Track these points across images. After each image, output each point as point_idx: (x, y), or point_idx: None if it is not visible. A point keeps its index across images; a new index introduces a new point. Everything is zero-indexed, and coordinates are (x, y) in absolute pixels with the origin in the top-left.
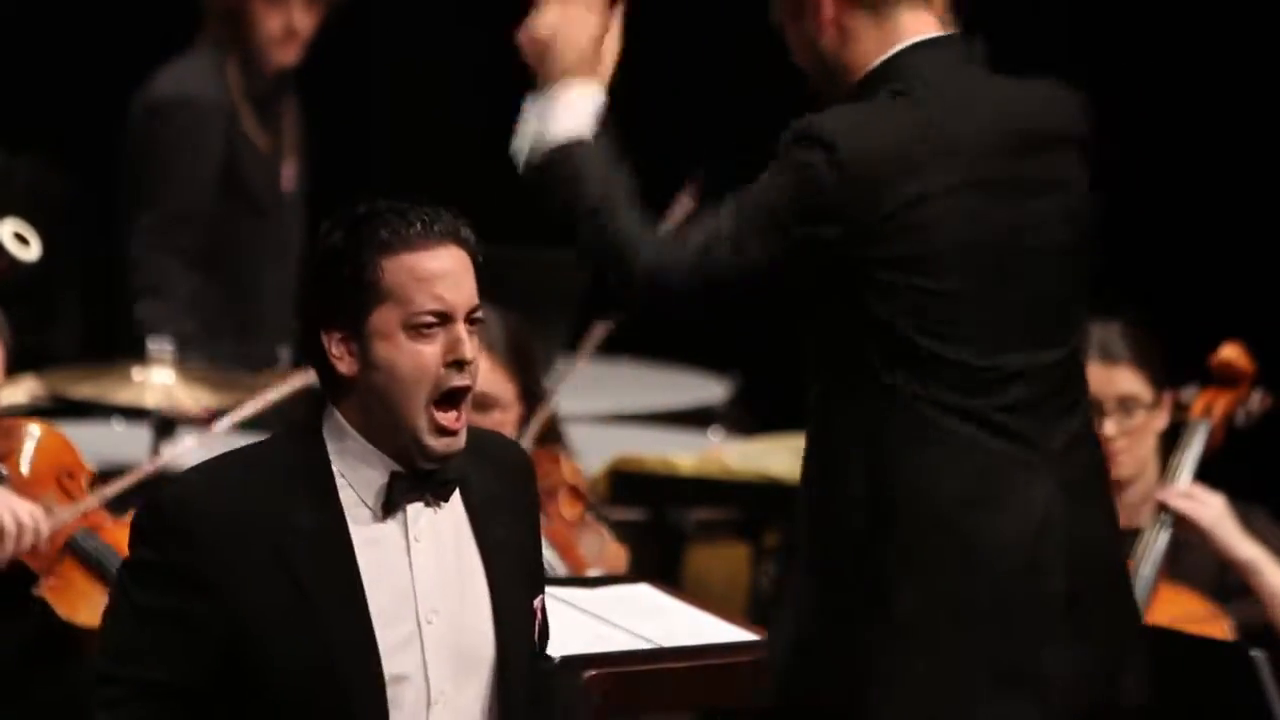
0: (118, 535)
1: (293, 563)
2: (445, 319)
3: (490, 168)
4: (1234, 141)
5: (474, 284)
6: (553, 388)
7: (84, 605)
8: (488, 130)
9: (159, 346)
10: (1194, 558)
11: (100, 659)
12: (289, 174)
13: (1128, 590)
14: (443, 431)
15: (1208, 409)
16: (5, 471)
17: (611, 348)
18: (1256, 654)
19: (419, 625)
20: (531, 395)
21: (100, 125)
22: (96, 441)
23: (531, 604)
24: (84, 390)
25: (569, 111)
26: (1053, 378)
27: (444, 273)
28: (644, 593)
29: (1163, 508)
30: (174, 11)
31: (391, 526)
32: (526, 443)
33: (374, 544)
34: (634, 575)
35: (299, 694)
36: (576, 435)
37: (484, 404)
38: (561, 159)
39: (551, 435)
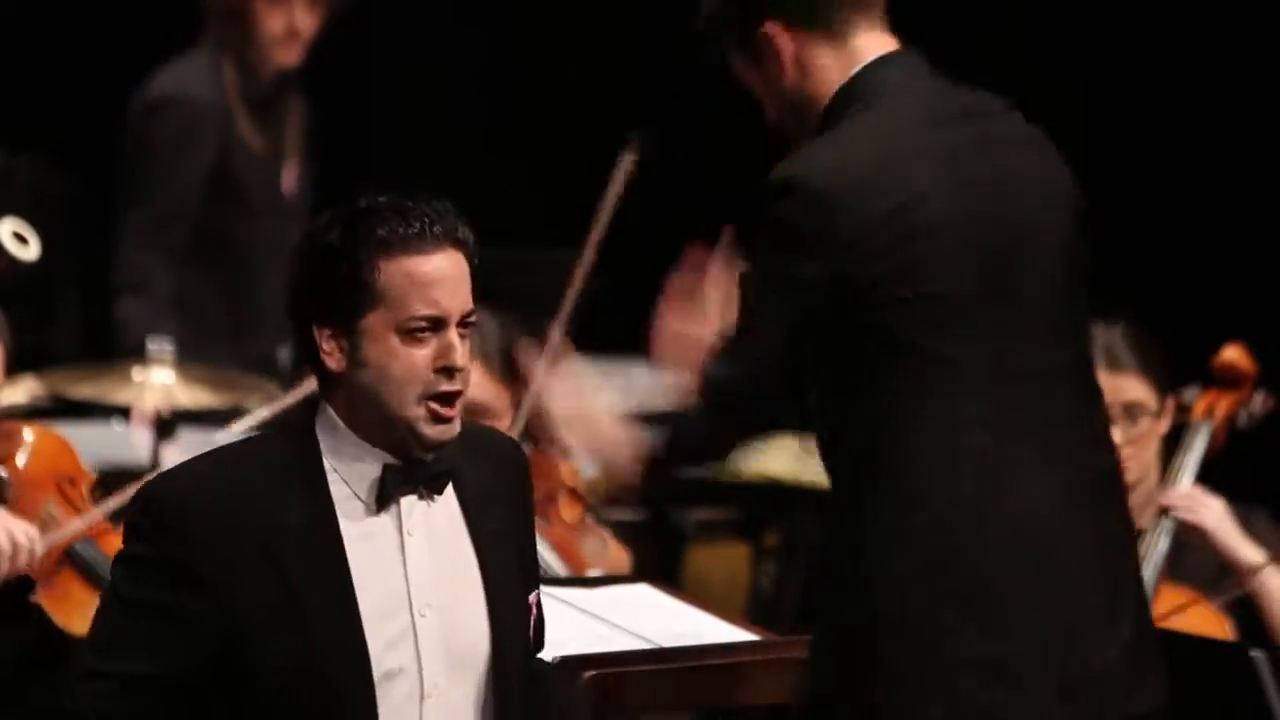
0: (117, 544)
1: (282, 559)
2: (438, 324)
3: (491, 169)
4: (1235, 142)
5: (469, 288)
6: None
7: (80, 615)
8: (489, 132)
9: (159, 346)
10: (1194, 558)
11: (89, 653)
12: (290, 176)
13: (1139, 592)
14: (437, 419)
15: (1210, 410)
16: (5, 475)
17: (611, 348)
18: (1256, 654)
19: (413, 619)
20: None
21: (100, 125)
22: (96, 441)
23: (526, 598)
24: (84, 390)
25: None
26: (1059, 377)
27: (440, 278)
28: (644, 593)
29: (1164, 511)
30: (174, 11)
31: (385, 520)
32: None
33: (367, 538)
34: (634, 575)
35: (288, 690)
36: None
37: (476, 412)
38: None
39: (549, 434)
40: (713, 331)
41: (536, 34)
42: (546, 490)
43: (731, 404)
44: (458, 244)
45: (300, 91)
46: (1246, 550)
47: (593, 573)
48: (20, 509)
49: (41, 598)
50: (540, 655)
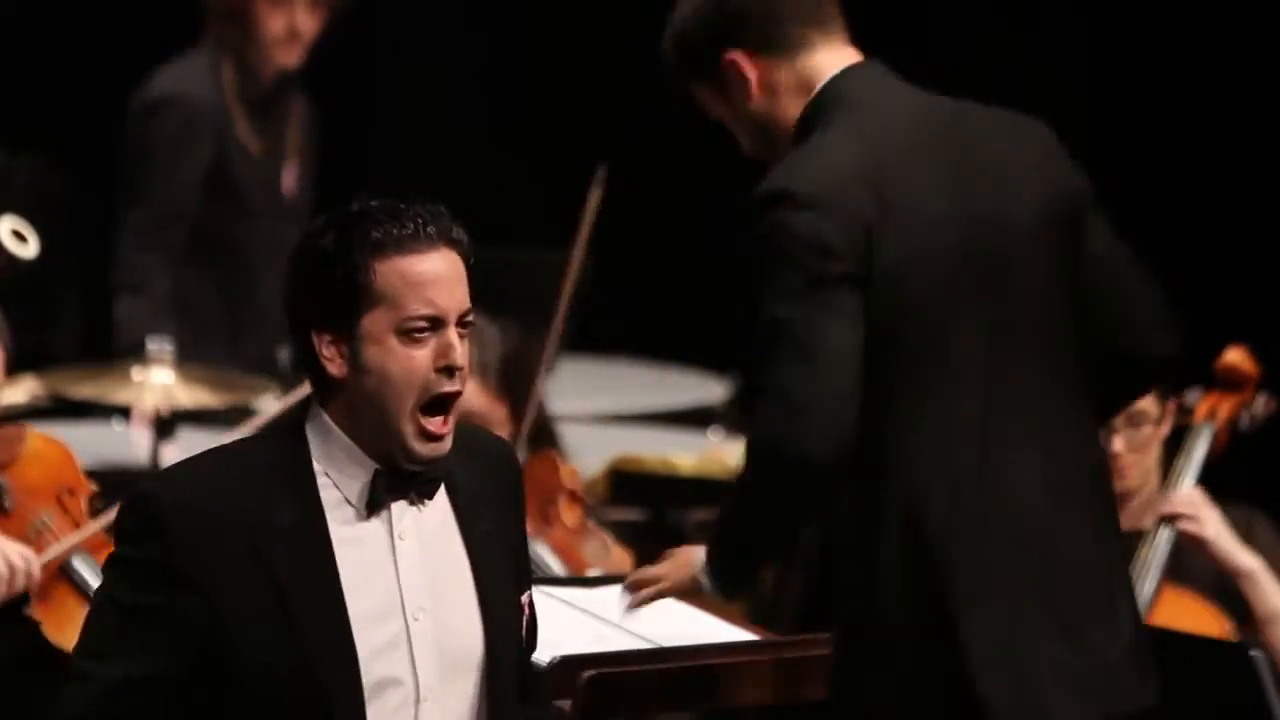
0: None
1: (271, 561)
2: (437, 324)
3: (492, 170)
4: (1237, 144)
5: (466, 288)
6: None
7: (73, 630)
8: (490, 133)
9: (159, 346)
10: (1196, 561)
11: (78, 656)
12: (290, 177)
13: (1122, 590)
14: (429, 437)
15: (1212, 413)
16: (5, 483)
17: (611, 348)
18: (1256, 654)
19: (406, 623)
20: (523, 416)
21: (100, 125)
22: (96, 441)
23: (519, 599)
24: (84, 390)
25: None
26: (1053, 375)
27: (436, 277)
28: None
29: (1164, 520)
30: (174, 11)
31: (376, 525)
32: (521, 454)
33: (358, 542)
34: None
35: (275, 693)
36: (576, 435)
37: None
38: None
39: (547, 439)
40: None
41: (537, 34)
42: (546, 493)
43: (804, 425)
44: (452, 243)
45: (302, 92)
46: (1244, 558)
47: (593, 574)
48: (18, 517)
49: (35, 611)
50: (539, 655)
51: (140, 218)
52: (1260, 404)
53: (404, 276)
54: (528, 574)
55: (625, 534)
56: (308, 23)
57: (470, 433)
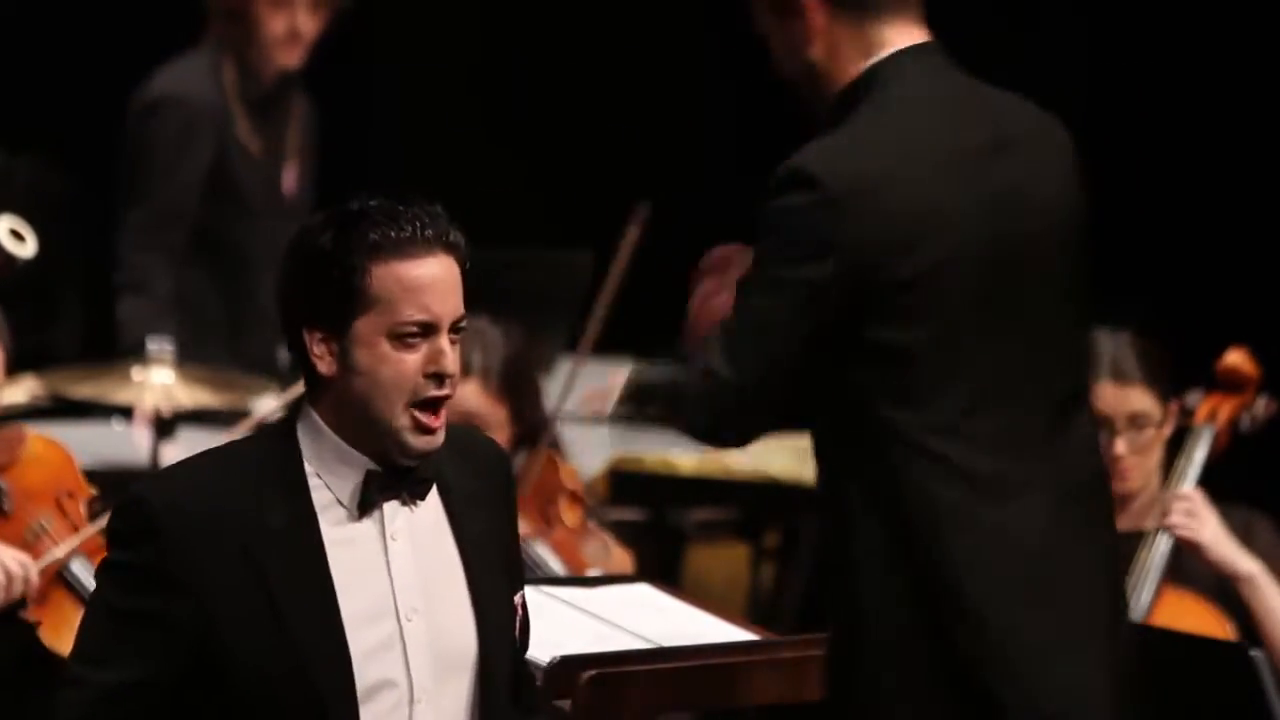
0: None
1: (262, 563)
2: (429, 330)
3: (491, 170)
4: (1238, 145)
5: (460, 293)
6: (552, 416)
7: (70, 633)
8: (489, 133)
9: (159, 346)
10: (1196, 561)
11: (73, 661)
12: (290, 177)
13: (1119, 597)
14: (422, 430)
15: (1212, 414)
16: (4, 486)
17: (611, 348)
18: (1256, 654)
19: (399, 624)
20: (524, 418)
21: (100, 125)
22: (96, 442)
23: (511, 599)
24: (84, 390)
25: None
26: (1058, 390)
27: (432, 283)
28: (644, 593)
29: (1163, 527)
30: (175, 11)
31: (368, 525)
32: (520, 460)
33: (350, 543)
34: (634, 575)
35: (269, 695)
36: (577, 435)
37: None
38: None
39: (547, 439)
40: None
41: (536, 33)
42: (547, 494)
43: (733, 405)
44: (449, 248)
45: (302, 92)
46: (1242, 562)
47: (593, 574)
48: (16, 520)
49: (32, 614)
50: (539, 655)
51: (141, 217)
52: (1261, 406)
53: (400, 281)
54: (520, 574)
55: (625, 534)
56: (309, 23)
57: (461, 433)
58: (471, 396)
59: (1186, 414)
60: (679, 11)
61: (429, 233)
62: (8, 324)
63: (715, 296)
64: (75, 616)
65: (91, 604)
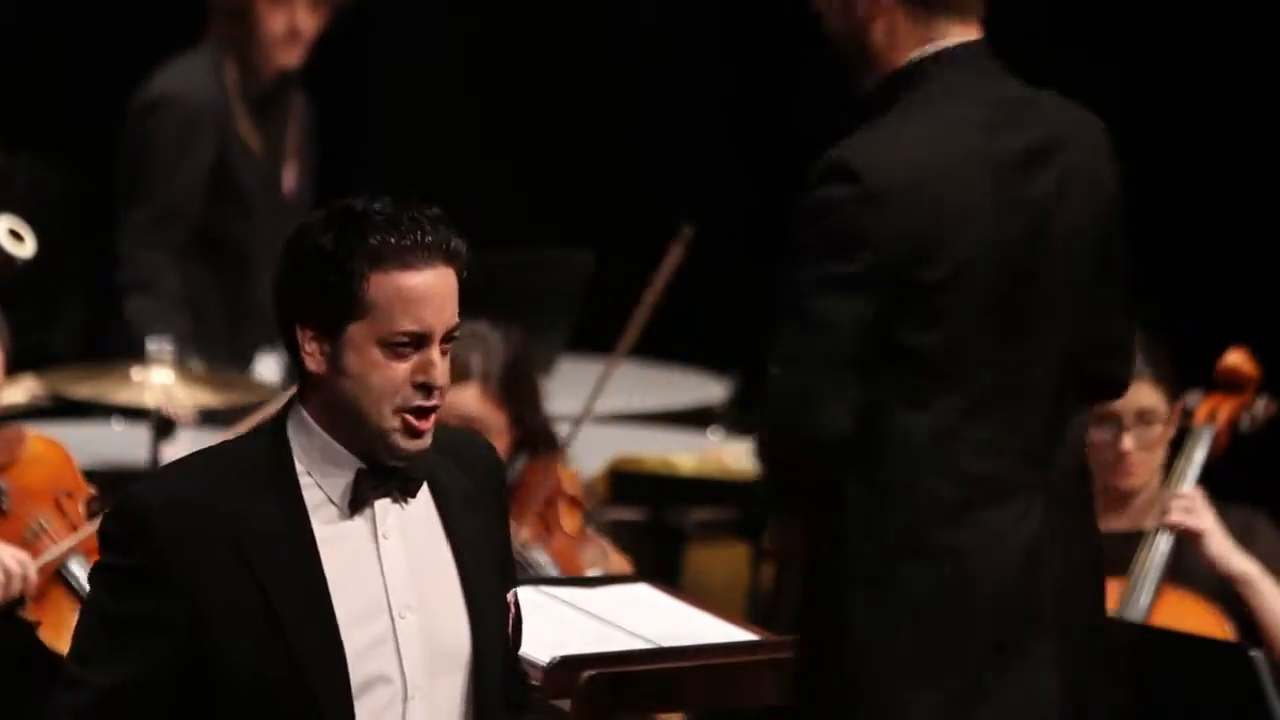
0: None
1: (255, 562)
2: (422, 340)
3: (489, 170)
4: (1239, 146)
5: (455, 303)
6: (581, 418)
7: (69, 633)
8: (486, 133)
9: (159, 346)
10: (1196, 561)
11: (69, 664)
12: (290, 177)
13: (1101, 613)
14: (411, 433)
15: (1212, 415)
16: (4, 485)
17: (611, 348)
18: (1256, 654)
19: (393, 621)
20: (524, 423)
21: (100, 125)
22: (96, 441)
23: (504, 596)
24: (84, 390)
25: None
26: (1064, 402)
27: (429, 295)
28: (644, 593)
29: (1166, 525)
30: (175, 11)
31: (359, 524)
32: (520, 465)
33: (342, 542)
34: (633, 575)
35: (264, 694)
36: (576, 435)
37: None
38: None
39: (547, 442)
40: None
41: (535, 32)
42: (546, 498)
43: (796, 405)
44: (449, 258)
45: (301, 91)
46: (1238, 561)
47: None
48: (15, 519)
49: (31, 613)
50: (540, 655)
51: (144, 216)
52: (1261, 406)
53: (397, 291)
54: (512, 571)
55: (625, 534)
56: (308, 22)
57: (452, 433)
58: (471, 401)
59: (1186, 414)
60: (678, 67)
61: (429, 240)
62: (8, 324)
63: None
64: (74, 616)
65: (86, 607)
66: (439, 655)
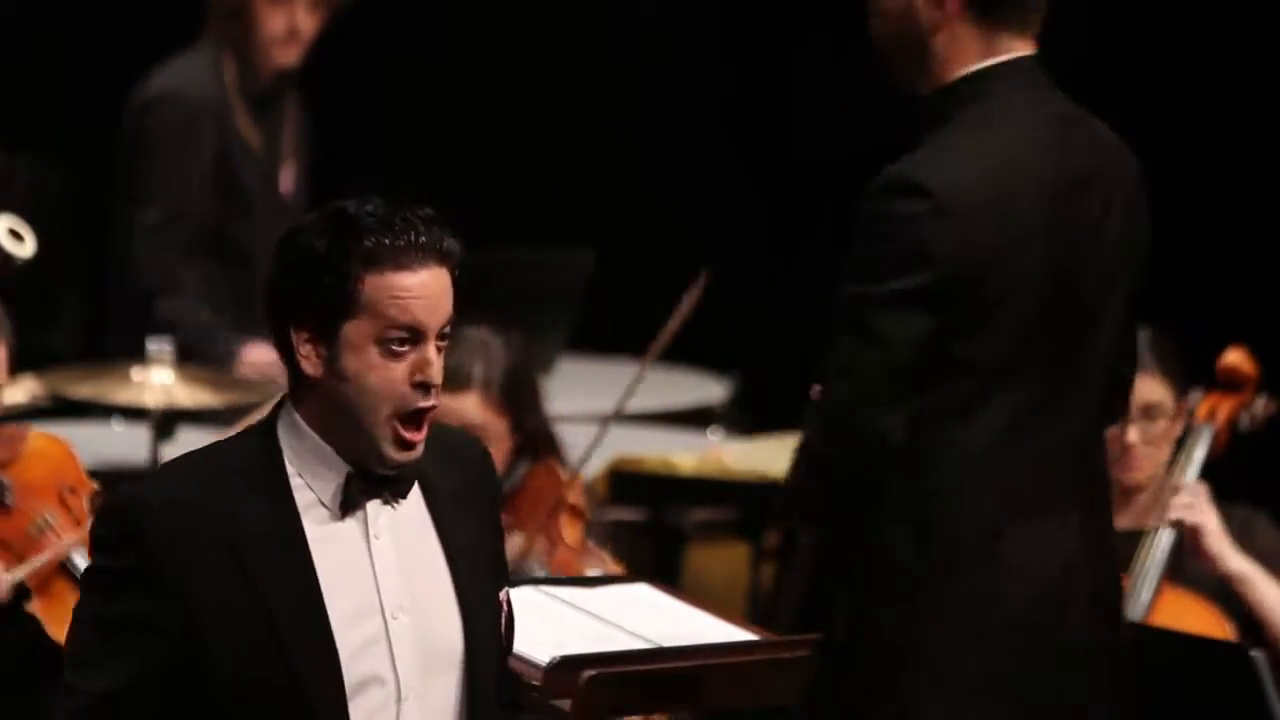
0: None
1: (248, 565)
2: (417, 337)
3: (488, 169)
4: (1240, 146)
5: (450, 300)
6: (608, 420)
7: None
8: (485, 132)
9: (159, 346)
10: (1196, 560)
11: (66, 669)
12: (287, 177)
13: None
14: (403, 445)
15: (1212, 414)
16: (7, 481)
17: (611, 348)
18: (1256, 654)
19: (385, 622)
20: (524, 428)
21: (100, 125)
22: (96, 441)
23: (496, 596)
24: (84, 390)
25: None
26: (1097, 428)
27: (424, 293)
28: (644, 593)
29: (1169, 523)
30: (175, 11)
31: (351, 524)
32: (522, 471)
33: (333, 543)
34: (634, 575)
35: (258, 696)
36: (576, 435)
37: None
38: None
39: (548, 446)
40: None
41: (534, 31)
42: (549, 506)
43: (850, 421)
44: (442, 259)
45: (297, 92)
46: (1235, 560)
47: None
48: (19, 515)
49: (36, 607)
50: (539, 655)
51: (152, 217)
52: (1260, 405)
53: (392, 291)
54: (505, 571)
55: (625, 534)
56: (307, 22)
57: (444, 431)
58: (472, 408)
59: (1186, 413)
60: (694, 109)
61: (423, 241)
62: (10, 324)
63: None
64: None
65: (78, 611)
66: (432, 656)
